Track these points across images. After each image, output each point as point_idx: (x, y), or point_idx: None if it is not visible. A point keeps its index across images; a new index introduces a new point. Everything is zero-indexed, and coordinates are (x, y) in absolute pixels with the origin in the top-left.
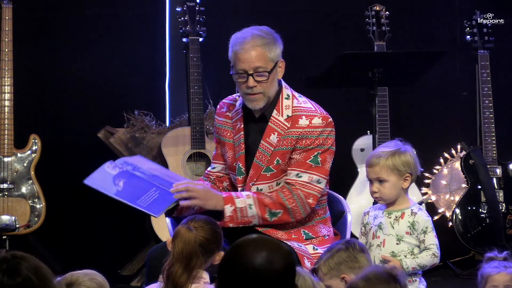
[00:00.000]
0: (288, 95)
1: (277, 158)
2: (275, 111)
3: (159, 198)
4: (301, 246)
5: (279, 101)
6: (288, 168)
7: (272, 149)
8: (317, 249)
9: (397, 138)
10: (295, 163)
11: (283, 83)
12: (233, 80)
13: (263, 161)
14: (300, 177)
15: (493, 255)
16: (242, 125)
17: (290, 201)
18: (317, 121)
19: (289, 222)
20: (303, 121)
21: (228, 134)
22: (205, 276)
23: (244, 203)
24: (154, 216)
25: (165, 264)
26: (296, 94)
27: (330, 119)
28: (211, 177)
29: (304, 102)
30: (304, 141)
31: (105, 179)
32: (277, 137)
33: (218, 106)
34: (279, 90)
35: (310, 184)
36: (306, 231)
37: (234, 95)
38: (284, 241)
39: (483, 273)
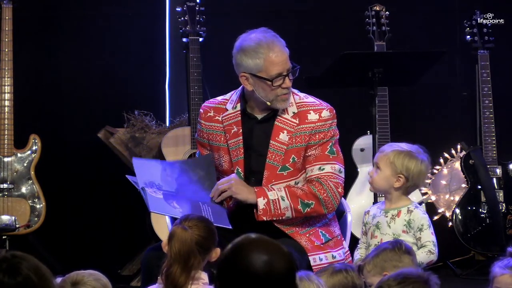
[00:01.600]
0: None
1: (293, 155)
2: (280, 110)
3: (214, 210)
4: (322, 260)
5: None
6: (307, 166)
7: (285, 147)
8: (335, 257)
9: (418, 145)
10: (314, 159)
11: None
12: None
13: (277, 161)
14: (323, 169)
15: None
16: (241, 130)
17: (322, 192)
18: (326, 114)
19: (322, 213)
20: (313, 116)
21: (222, 138)
22: (204, 277)
23: (276, 196)
24: (229, 228)
25: (163, 265)
26: (295, 90)
27: (334, 110)
28: None
29: (305, 97)
30: (317, 136)
31: (161, 204)
32: (287, 135)
33: (201, 111)
34: None
35: (334, 173)
36: (323, 232)
37: (218, 98)
38: (309, 254)
39: (492, 272)
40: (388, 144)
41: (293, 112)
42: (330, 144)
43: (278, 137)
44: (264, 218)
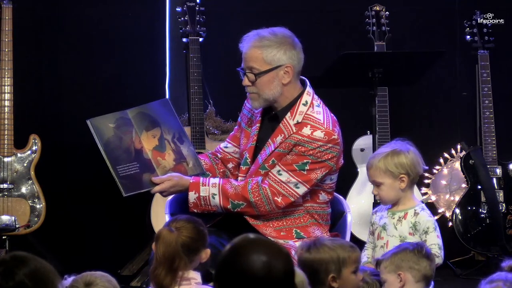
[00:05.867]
0: (306, 101)
1: (273, 158)
2: (288, 114)
3: (135, 175)
4: (288, 242)
5: (295, 105)
6: (277, 161)
7: (273, 149)
8: None
9: (397, 138)
10: (282, 161)
11: (309, 90)
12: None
13: (263, 158)
14: (280, 174)
15: None
16: (260, 119)
17: (255, 194)
18: (318, 134)
19: (254, 214)
20: (306, 130)
21: (249, 123)
22: (196, 277)
23: (207, 192)
24: (121, 193)
25: (151, 267)
26: (315, 103)
27: (335, 137)
28: (218, 155)
29: (317, 113)
30: (299, 147)
31: (106, 125)
32: (281, 139)
33: None
34: (299, 95)
35: (285, 184)
36: (298, 231)
37: None
38: (272, 238)
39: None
40: (369, 158)
41: (297, 121)
42: (306, 161)
43: (276, 138)
44: (195, 210)
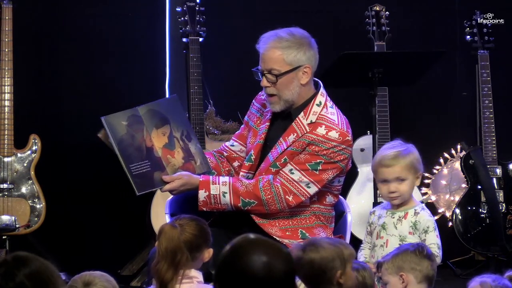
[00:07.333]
0: (320, 102)
1: (285, 157)
2: (302, 114)
3: (147, 174)
4: (293, 242)
5: (309, 105)
6: (289, 160)
7: (285, 147)
8: None
9: (396, 139)
10: (295, 159)
11: (323, 91)
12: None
13: (274, 157)
14: (292, 173)
15: None
16: (270, 117)
17: (267, 192)
18: (333, 134)
19: (263, 212)
20: (321, 130)
21: (258, 121)
22: (198, 275)
23: (218, 190)
24: (134, 192)
25: (152, 262)
26: (329, 104)
27: (348, 138)
28: (224, 153)
29: (331, 114)
30: (313, 147)
31: (119, 123)
32: (294, 138)
33: (260, 92)
34: (313, 96)
35: (297, 183)
36: (304, 231)
37: None
38: (277, 237)
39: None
40: (384, 157)
41: (311, 121)
42: (319, 161)
43: (288, 137)
44: (204, 209)
